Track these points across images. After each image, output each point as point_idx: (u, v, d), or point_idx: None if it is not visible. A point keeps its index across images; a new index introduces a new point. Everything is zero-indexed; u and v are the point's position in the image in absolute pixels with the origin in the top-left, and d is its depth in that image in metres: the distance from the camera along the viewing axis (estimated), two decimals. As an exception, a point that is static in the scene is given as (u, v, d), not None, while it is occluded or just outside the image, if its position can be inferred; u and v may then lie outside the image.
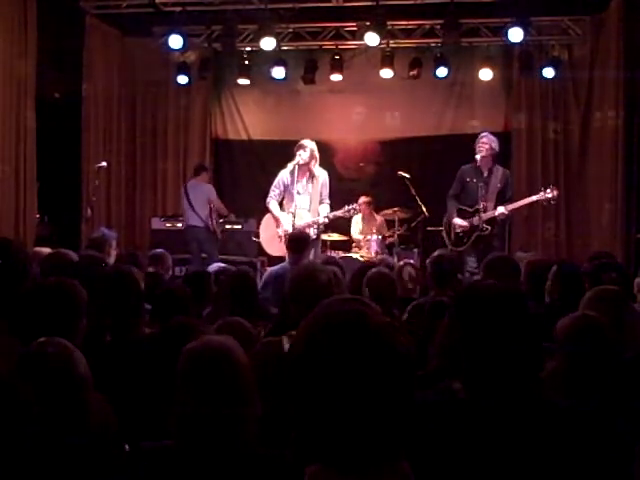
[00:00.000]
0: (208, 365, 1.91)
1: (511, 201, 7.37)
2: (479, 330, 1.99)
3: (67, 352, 2.06)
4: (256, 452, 1.92)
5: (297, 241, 5.79)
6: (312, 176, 7.31)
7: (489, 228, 7.21)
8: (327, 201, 7.42)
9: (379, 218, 9.50)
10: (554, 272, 4.13)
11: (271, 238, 7.51)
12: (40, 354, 2.03)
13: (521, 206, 7.54)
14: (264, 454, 1.92)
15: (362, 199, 9.33)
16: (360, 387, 1.26)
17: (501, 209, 7.17)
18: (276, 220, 7.40)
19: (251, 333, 3.20)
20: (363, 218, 9.45)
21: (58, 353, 2.04)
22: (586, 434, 2.02)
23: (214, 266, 5.95)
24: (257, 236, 7.99)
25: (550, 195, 7.29)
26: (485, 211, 7.19)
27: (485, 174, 7.33)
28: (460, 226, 7.34)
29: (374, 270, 4.33)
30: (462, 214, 7.39)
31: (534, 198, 7.40)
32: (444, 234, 7.54)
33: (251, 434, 1.92)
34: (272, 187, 7.43)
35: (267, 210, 7.54)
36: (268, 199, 7.44)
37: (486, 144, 7.30)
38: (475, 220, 7.25)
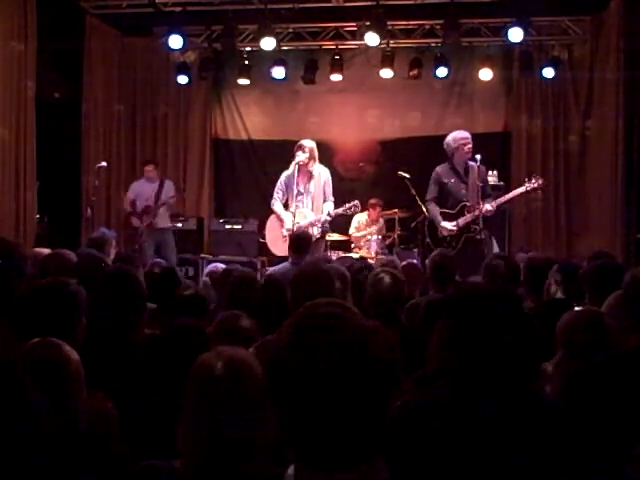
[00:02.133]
0: (228, 384, 1.77)
1: (493, 197, 7.21)
2: (469, 331, 2.00)
3: (59, 352, 2.05)
4: (271, 472, 1.76)
5: (298, 241, 5.78)
6: (311, 176, 7.32)
7: (477, 227, 7.01)
8: (331, 198, 7.43)
9: (381, 220, 9.50)
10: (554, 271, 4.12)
11: (276, 238, 7.55)
12: (31, 354, 2.02)
13: (508, 200, 7.35)
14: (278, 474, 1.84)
15: (372, 201, 9.33)
16: (336, 390, 1.28)
17: (487, 206, 6.97)
18: (280, 220, 7.46)
19: (251, 329, 3.20)
20: (369, 219, 9.43)
21: (50, 353, 2.03)
22: (577, 432, 2.04)
23: (211, 266, 5.92)
24: (263, 237, 8.00)
25: (535, 184, 7.13)
26: (469, 211, 7.01)
27: (462, 173, 7.14)
28: (448, 230, 7.09)
29: (379, 271, 4.30)
30: (446, 217, 7.15)
31: (520, 190, 7.24)
32: (428, 240, 7.28)
33: (267, 454, 1.84)
34: (275, 189, 7.50)
35: (271, 212, 7.57)
36: (272, 201, 7.52)
37: (470, 144, 7.11)
38: (461, 221, 7.06)
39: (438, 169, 7.27)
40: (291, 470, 1.36)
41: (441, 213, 7.18)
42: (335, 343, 1.30)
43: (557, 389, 2.44)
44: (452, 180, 7.14)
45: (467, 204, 7.03)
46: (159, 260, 6.05)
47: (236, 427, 1.75)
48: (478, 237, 7.05)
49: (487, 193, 7.20)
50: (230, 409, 1.75)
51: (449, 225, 7.11)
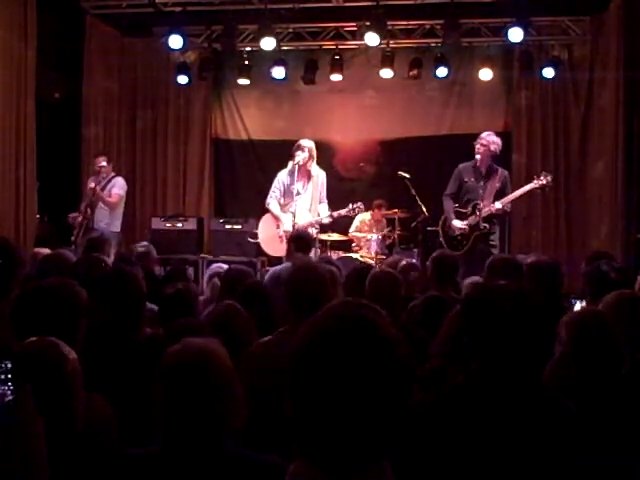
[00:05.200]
0: (187, 369, 1.87)
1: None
2: (491, 330, 2.01)
3: (56, 351, 2.05)
4: (242, 455, 1.89)
5: (299, 241, 5.77)
6: (310, 176, 7.33)
7: (487, 226, 7.09)
8: (325, 200, 7.45)
9: (384, 220, 9.49)
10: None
11: (270, 238, 7.53)
12: (29, 353, 2.02)
13: (517, 197, 7.35)
14: (250, 457, 1.90)
15: (377, 202, 9.32)
16: (360, 393, 1.28)
17: (497, 204, 7.05)
18: (277, 220, 7.43)
19: (247, 317, 3.21)
20: (372, 220, 9.41)
21: (47, 352, 2.03)
22: (587, 435, 2.04)
23: (214, 266, 5.92)
24: (254, 237, 7.98)
25: (544, 181, 7.17)
26: (480, 210, 7.04)
27: (484, 174, 7.24)
28: (459, 229, 7.21)
29: (378, 270, 4.30)
30: (459, 216, 7.26)
31: (528, 187, 7.28)
32: (441, 236, 7.40)
33: (235, 436, 1.90)
34: (272, 188, 7.50)
35: (266, 211, 7.56)
36: (268, 200, 7.49)
37: (485, 146, 7.19)
38: (472, 219, 7.13)
39: (461, 166, 7.37)
40: (294, 466, 1.36)
41: (455, 212, 7.24)
42: (366, 349, 1.29)
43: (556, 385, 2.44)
44: (472, 179, 7.22)
45: (482, 204, 7.05)
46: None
47: (204, 414, 1.83)
48: (487, 234, 7.07)
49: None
50: (198, 397, 1.84)
51: (460, 224, 7.18)
